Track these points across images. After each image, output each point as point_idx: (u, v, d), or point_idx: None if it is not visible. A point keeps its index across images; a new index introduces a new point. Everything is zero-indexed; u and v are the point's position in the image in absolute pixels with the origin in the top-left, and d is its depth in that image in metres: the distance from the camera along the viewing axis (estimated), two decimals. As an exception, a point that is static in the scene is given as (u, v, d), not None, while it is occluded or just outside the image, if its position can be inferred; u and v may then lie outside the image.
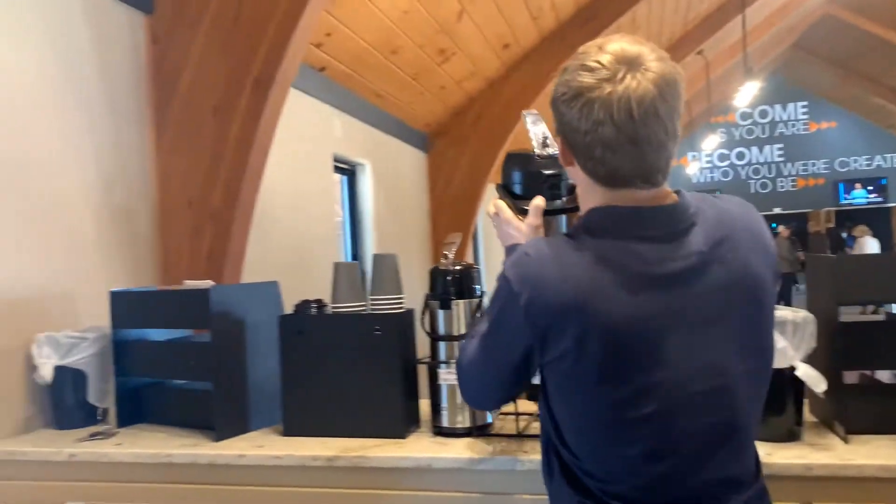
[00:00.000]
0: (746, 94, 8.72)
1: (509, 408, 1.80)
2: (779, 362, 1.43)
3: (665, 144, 0.97)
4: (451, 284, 1.66)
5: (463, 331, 1.66)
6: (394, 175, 5.64)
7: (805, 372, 1.43)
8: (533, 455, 1.48)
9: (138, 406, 2.01)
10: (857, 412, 1.47)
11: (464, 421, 1.66)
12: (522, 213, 1.24)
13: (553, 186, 1.29)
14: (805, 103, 16.73)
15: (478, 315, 1.66)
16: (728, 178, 17.22)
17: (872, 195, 16.03)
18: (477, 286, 1.70)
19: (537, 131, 1.33)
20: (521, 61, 5.99)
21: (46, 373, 1.95)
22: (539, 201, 1.22)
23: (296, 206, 3.99)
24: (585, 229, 1.01)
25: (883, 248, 13.40)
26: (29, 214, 2.07)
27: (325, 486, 1.61)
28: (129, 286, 2.40)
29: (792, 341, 1.44)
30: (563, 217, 1.31)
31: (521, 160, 1.34)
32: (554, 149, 1.32)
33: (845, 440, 1.45)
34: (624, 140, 0.94)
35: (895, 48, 11.53)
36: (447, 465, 1.53)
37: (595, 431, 0.99)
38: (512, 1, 4.95)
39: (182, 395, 2.02)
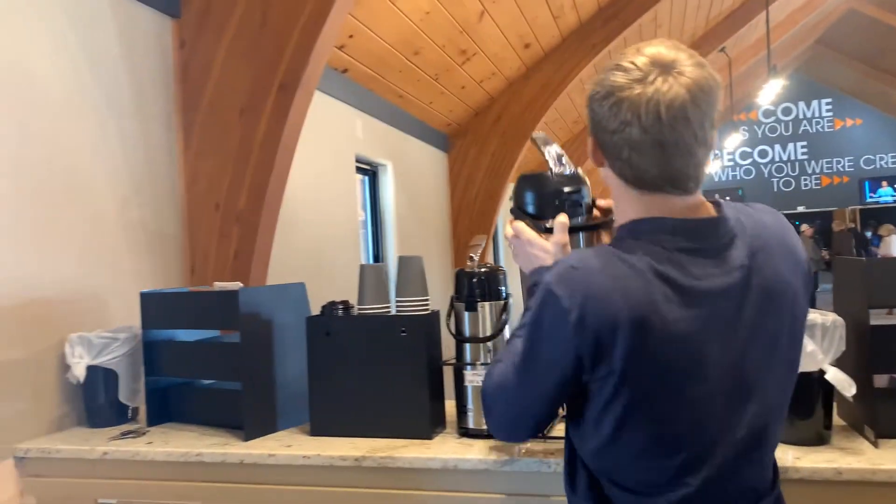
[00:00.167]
0: (770, 92, 8.62)
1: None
2: (808, 366, 1.43)
3: (693, 150, 0.95)
4: (476, 286, 1.67)
5: (489, 332, 1.67)
6: (415, 175, 5.67)
7: (834, 376, 1.42)
8: (559, 457, 1.48)
9: (167, 405, 2.05)
10: (887, 416, 1.45)
11: (489, 422, 1.67)
12: (543, 232, 1.23)
13: (574, 204, 1.28)
14: (829, 100, 16.50)
15: (504, 318, 1.66)
16: (750, 177, 17.04)
17: (899, 193, 15.80)
18: (503, 288, 1.71)
19: (551, 150, 1.33)
20: (542, 61, 5.99)
21: (79, 372, 1.98)
22: (564, 218, 1.21)
23: (318, 207, 4.03)
24: (632, 239, 0.98)
25: (910, 247, 13.17)
26: (61, 217, 2.11)
27: (352, 485, 1.63)
28: (158, 287, 2.44)
29: (821, 345, 1.43)
30: (582, 235, 1.30)
31: (537, 180, 1.32)
32: (570, 167, 1.33)
33: (875, 444, 1.44)
34: (650, 142, 0.94)
35: (922, 44, 11.34)
36: (474, 467, 1.54)
37: (636, 443, 0.98)
38: (533, 0, 4.95)
39: (210, 395, 2.06)
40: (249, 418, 1.80)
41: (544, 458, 1.50)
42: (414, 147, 5.68)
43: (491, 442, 1.63)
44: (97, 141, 2.27)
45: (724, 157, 16.78)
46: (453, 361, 1.72)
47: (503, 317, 1.67)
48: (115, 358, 2.01)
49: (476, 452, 1.57)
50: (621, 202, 1.04)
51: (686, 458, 0.97)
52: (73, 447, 1.84)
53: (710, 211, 1.01)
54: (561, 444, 1.48)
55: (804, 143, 16.75)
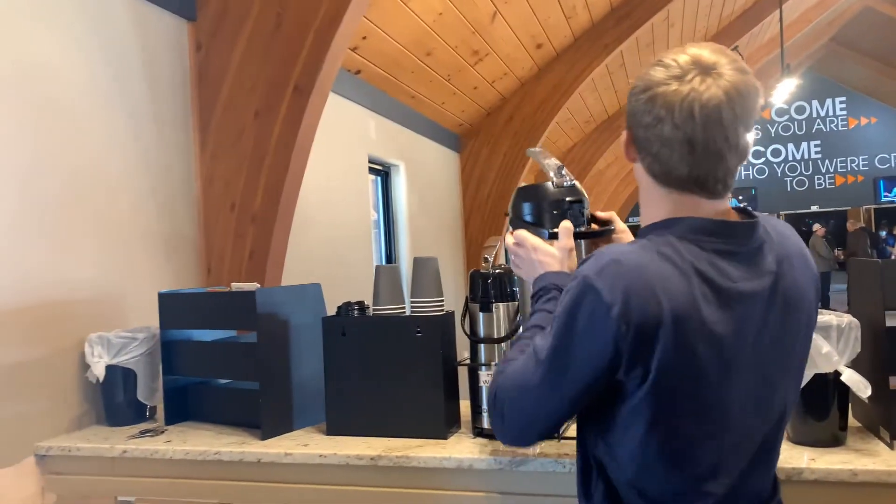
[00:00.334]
0: (783, 91, 8.57)
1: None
2: (823, 367, 1.43)
3: (724, 154, 0.95)
4: (491, 287, 1.68)
5: (503, 333, 1.68)
6: (427, 175, 5.68)
7: (850, 377, 1.42)
8: (574, 457, 1.49)
9: (185, 404, 2.07)
10: (903, 418, 1.45)
11: (504, 422, 1.68)
12: (545, 239, 1.25)
13: (575, 213, 1.29)
14: (843, 98, 16.36)
15: (518, 319, 1.67)
16: (763, 176, 16.93)
17: (915, 193, 15.65)
18: (517, 289, 1.72)
19: (550, 162, 1.35)
20: (554, 61, 5.99)
21: (99, 372, 2.01)
22: (569, 223, 1.22)
23: (331, 208, 4.05)
24: (672, 236, 0.96)
25: (926, 247, 13.08)
26: (80, 219, 2.14)
27: (368, 484, 1.64)
28: (174, 287, 2.47)
29: (836, 346, 1.43)
30: (584, 243, 1.31)
31: (537, 191, 1.34)
32: (570, 178, 1.34)
33: (891, 446, 1.44)
34: (681, 139, 0.94)
35: (938, 42, 11.24)
36: (489, 466, 1.55)
37: (665, 446, 0.96)
38: (545, 1, 4.95)
39: (228, 394, 2.08)
40: (266, 417, 1.82)
41: (559, 459, 1.50)
42: (426, 147, 5.70)
43: (506, 442, 1.64)
44: (115, 143, 2.30)
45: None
46: (468, 362, 1.73)
47: (517, 318, 1.68)
48: (134, 357, 2.04)
49: (491, 452, 1.58)
50: (648, 200, 1.04)
51: (711, 465, 0.97)
52: (92, 445, 1.87)
53: (737, 217, 1.01)
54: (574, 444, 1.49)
55: (818, 141, 16.62)
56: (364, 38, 4.01)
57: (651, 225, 1.02)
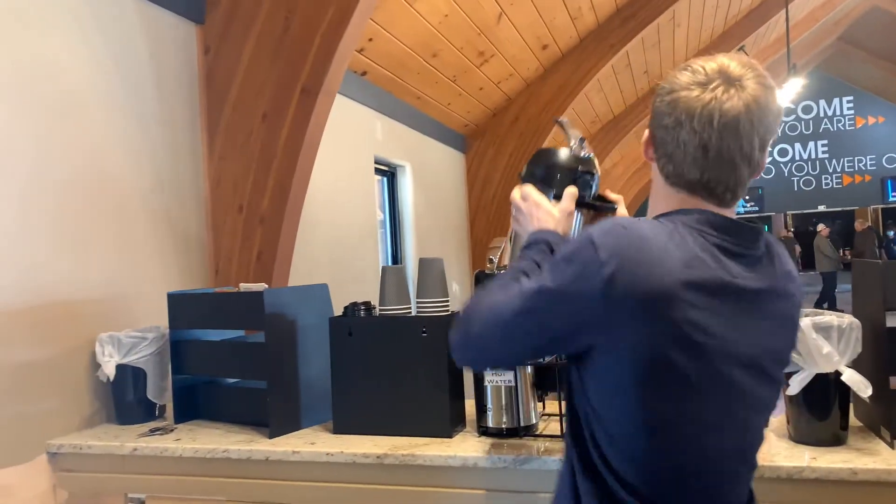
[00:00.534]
0: (789, 91, 8.54)
1: (553, 408, 1.84)
2: (824, 367, 1.45)
3: (736, 164, 0.97)
4: (496, 288, 1.70)
5: (508, 333, 1.70)
6: (433, 176, 5.70)
7: (850, 377, 1.44)
8: (577, 456, 1.51)
9: (194, 403, 2.10)
10: (903, 417, 1.47)
11: (508, 421, 1.71)
12: (553, 200, 1.27)
13: (584, 184, 1.31)
14: (851, 98, 16.30)
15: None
16: (770, 176, 16.88)
17: (923, 193, 15.58)
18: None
19: (574, 132, 1.37)
20: (560, 62, 6.00)
21: (109, 371, 2.04)
22: (574, 189, 1.26)
23: (338, 208, 4.08)
24: (681, 224, 0.97)
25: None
26: (90, 220, 2.17)
27: (374, 482, 1.67)
28: (183, 287, 2.50)
29: (837, 346, 1.44)
30: (579, 218, 1.33)
31: (554, 153, 1.36)
32: (588, 152, 1.36)
33: (891, 445, 1.45)
34: (696, 144, 0.96)
35: (946, 41, 11.19)
36: (493, 464, 1.57)
37: (649, 431, 0.95)
38: (550, 2, 4.97)
39: (236, 393, 2.11)
40: (274, 416, 1.85)
41: (563, 458, 1.52)
42: (432, 148, 5.72)
43: (510, 441, 1.67)
44: (124, 144, 2.33)
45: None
46: (473, 361, 1.75)
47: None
48: (144, 357, 2.07)
49: (495, 451, 1.60)
50: (657, 198, 1.06)
51: (692, 461, 0.96)
52: (103, 443, 1.90)
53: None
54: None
55: (825, 141, 16.57)
56: (370, 39, 4.03)
57: (661, 214, 1.03)
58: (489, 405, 1.72)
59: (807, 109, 16.61)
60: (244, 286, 2.05)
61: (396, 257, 5.21)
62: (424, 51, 4.54)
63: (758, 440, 1.04)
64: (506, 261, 2.00)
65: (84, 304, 2.12)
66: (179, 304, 2.07)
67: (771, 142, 1.00)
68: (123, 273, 2.29)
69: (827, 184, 16.54)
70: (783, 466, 1.40)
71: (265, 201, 2.62)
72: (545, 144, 6.13)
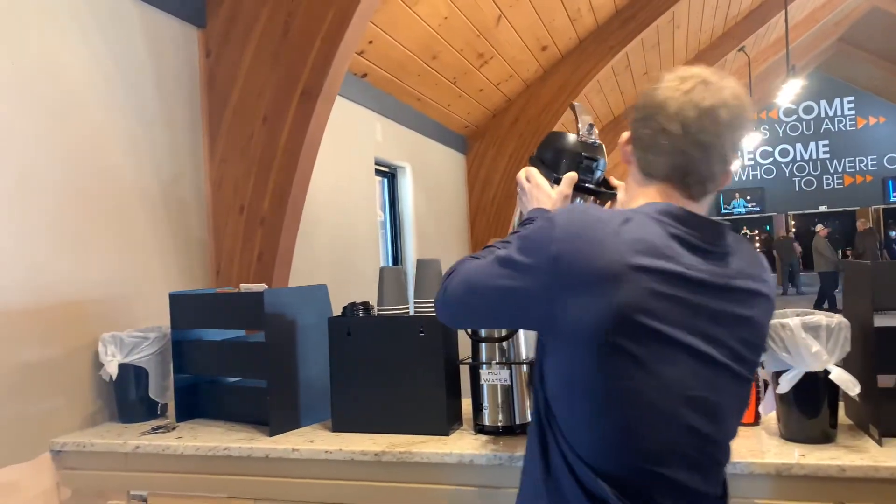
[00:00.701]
0: (788, 92, 8.57)
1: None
2: (813, 366, 1.47)
3: (709, 154, 1.02)
4: (492, 288, 1.73)
5: (504, 333, 1.73)
6: (433, 177, 5.73)
7: (839, 376, 1.46)
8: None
9: (195, 401, 2.13)
10: (891, 415, 1.49)
11: (504, 420, 1.73)
12: (554, 183, 1.32)
13: (587, 169, 1.35)
14: (852, 98, 16.32)
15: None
16: (771, 176, 16.90)
17: (924, 193, 15.58)
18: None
19: (584, 118, 1.41)
20: (559, 63, 6.03)
21: (112, 370, 2.07)
22: (573, 174, 1.31)
23: (339, 209, 4.11)
24: (644, 215, 1.02)
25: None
26: (94, 221, 2.20)
27: (372, 479, 1.70)
28: (184, 288, 2.53)
29: (826, 346, 1.47)
30: (580, 200, 1.36)
31: (562, 138, 1.40)
32: (596, 139, 1.39)
33: (879, 443, 1.48)
34: (672, 132, 1.01)
35: (947, 41, 11.19)
36: (489, 462, 1.60)
37: (598, 424, 0.98)
38: (550, 4, 4.99)
39: (237, 392, 2.14)
40: (274, 414, 1.88)
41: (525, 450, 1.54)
42: (432, 149, 5.75)
43: (505, 438, 1.69)
44: (126, 146, 2.36)
45: (744, 157, 16.65)
46: (469, 360, 1.78)
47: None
48: (146, 356, 2.10)
49: (491, 448, 1.63)
50: (632, 197, 1.11)
51: (653, 448, 0.98)
52: (106, 441, 1.93)
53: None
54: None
55: (826, 141, 16.58)
56: (370, 42, 4.06)
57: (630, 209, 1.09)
58: (485, 404, 1.75)
59: (808, 110, 16.62)
60: (245, 286, 2.08)
61: (397, 258, 5.24)
62: (424, 53, 4.57)
63: (725, 432, 1.05)
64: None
65: (87, 305, 2.15)
66: (181, 305, 2.10)
67: (738, 151, 1.04)
68: (125, 273, 2.32)
69: (828, 184, 16.55)
70: (773, 463, 1.42)
71: (266, 203, 2.65)
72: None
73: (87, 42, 2.22)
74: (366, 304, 1.90)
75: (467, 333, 1.78)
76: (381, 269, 1.94)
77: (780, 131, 16.85)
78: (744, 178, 17.02)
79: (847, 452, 1.45)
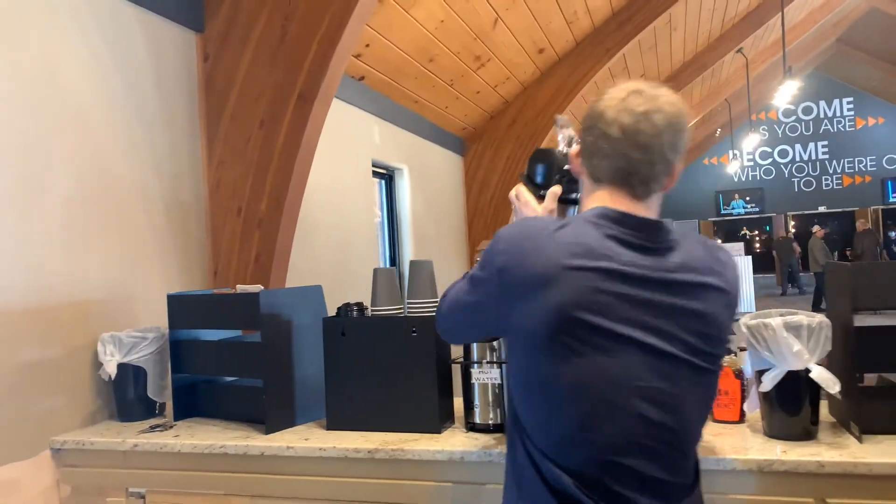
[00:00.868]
0: (785, 93, 8.60)
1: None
2: (794, 364, 1.51)
3: (651, 154, 1.07)
4: (482, 289, 1.76)
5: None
6: (431, 178, 5.77)
7: (819, 374, 1.50)
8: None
9: (193, 401, 2.17)
10: (871, 413, 1.52)
11: (495, 418, 1.77)
12: (541, 199, 1.38)
13: (571, 181, 1.40)
14: (851, 99, 16.34)
15: None
16: (771, 177, 16.93)
17: (923, 193, 15.59)
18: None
19: (565, 132, 1.46)
20: (556, 65, 6.06)
21: (111, 369, 2.11)
22: (556, 189, 1.36)
23: (336, 211, 4.14)
24: (582, 219, 1.09)
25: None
26: (94, 223, 2.24)
27: (365, 476, 1.73)
28: (183, 289, 2.57)
29: (807, 345, 1.50)
30: (575, 209, 1.43)
31: (546, 155, 1.46)
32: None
33: (860, 440, 1.51)
34: (612, 136, 1.08)
35: (945, 42, 11.22)
36: (479, 459, 1.63)
37: (556, 420, 1.05)
38: (546, 6, 5.03)
39: (233, 391, 2.17)
40: (270, 413, 1.91)
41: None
42: (430, 151, 5.79)
43: (496, 436, 1.73)
44: (127, 149, 2.40)
45: (743, 158, 16.68)
46: (461, 360, 1.82)
47: None
48: (144, 356, 2.14)
49: (482, 445, 1.66)
50: (584, 198, 1.18)
51: (611, 440, 1.02)
52: (105, 440, 1.96)
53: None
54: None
55: (825, 142, 16.61)
56: (367, 45, 4.10)
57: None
58: (476, 402, 1.78)
59: (807, 110, 16.65)
60: (241, 288, 2.12)
61: (394, 259, 5.27)
62: (421, 56, 4.60)
63: (687, 421, 1.08)
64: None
65: (86, 305, 2.18)
66: (179, 305, 2.13)
67: (680, 156, 1.10)
68: (124, 275, 2.36)
69: (827, 185, 16.58)
70: (755, 459, 1.46)
71: (263, 205, 2.69)
72: (543, 145, 6.18)
73: (86, 46, 2.26)
74: (360, 305, 1.93)
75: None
76: (375, 271, 1.98)
77: (780, 132, 16.88)
78: (743, 179, 17.05)
79: (827, 449, 1.48)
